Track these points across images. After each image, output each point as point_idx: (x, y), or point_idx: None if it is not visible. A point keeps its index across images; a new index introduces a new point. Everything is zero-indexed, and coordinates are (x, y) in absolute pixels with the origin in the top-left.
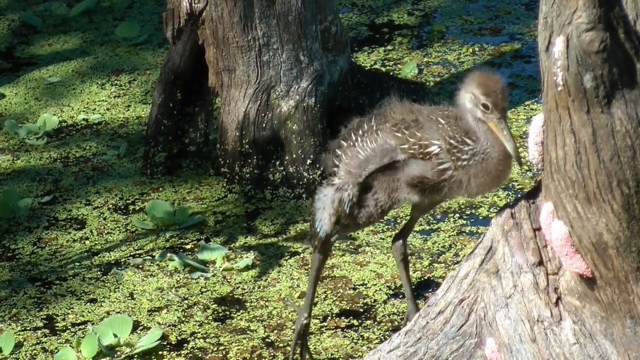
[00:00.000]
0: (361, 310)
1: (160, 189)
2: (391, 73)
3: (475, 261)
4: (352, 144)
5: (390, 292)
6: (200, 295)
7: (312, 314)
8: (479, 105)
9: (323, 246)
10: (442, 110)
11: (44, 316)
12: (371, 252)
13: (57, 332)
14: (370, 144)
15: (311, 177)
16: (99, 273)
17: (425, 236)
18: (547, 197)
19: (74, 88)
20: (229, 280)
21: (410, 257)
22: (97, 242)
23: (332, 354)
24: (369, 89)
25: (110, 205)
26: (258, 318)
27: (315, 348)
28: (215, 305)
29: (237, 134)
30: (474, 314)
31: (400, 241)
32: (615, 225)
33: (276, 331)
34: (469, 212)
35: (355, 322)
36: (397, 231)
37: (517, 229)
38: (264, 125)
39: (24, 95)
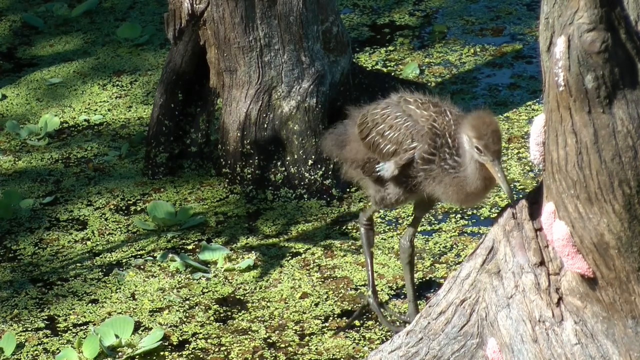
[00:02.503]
0: (363, 310)
1: (162, 189)
2: (392, 73)
3: (476, 261)
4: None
5: (392, 292)
6: (202, 296)
7: (315, 315)
8: (473, 147)
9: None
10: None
11: (46, 317)
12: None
13: (59, 333)
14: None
15: (312, 177)
16: (100, 274)
17: (426, 236)
18: (548, 197)
19: (75, 89)
20: (231, 281)
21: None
22: (98, 243)
23: (333, 354)
24: (370, 90)
25: (112, 206)
26: (259, 318)
27: (316, 348)
28: (217, 305)
29: (238, 134)
30: (475, 314)
31: (408, 243)
32: (616, 225)
33: (278, 332)
34: (470, 213)
35: (357, 323)
36: (398, 232)
37: (519, 229)
38: (265, 125)
39: (26, 96)
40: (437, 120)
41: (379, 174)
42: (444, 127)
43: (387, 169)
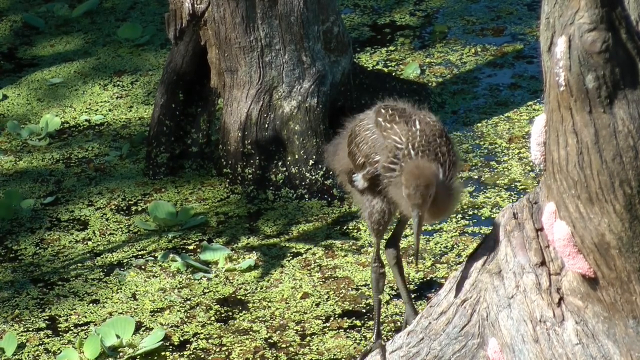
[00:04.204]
0: (364, 310)
1: (163, 189)
2: (393, 73)
3: (477, 262)
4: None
5: (393, 292)
6: (203, 296)
7: (316, 315)
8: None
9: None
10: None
11: (47, 317)
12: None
13: (60, 333)
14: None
15: (313, 177)
16: (101, 274)
17: (427, 237)
18: (549, 197)
19: (76, 89)
20: (232, 281)
21: (411, 257)
22: (99, 243)
23: (334, 355)
24: (371, 90)
25: (113, 206)
26: (260, 319)
27: (317, 349)
28: (218, 305)
29: (239, 134)
30: (476, 315)
31: (392, 246)
32: (617, 225)
33: (279, 332)
34: (471, 213)
35: (358, 323)
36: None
37: (520, 229)
38: (266, 125)
39: (26, 97)
40: (400, 132)
41: (355, 183)
42: (407, 139)
43: (359, 180)
